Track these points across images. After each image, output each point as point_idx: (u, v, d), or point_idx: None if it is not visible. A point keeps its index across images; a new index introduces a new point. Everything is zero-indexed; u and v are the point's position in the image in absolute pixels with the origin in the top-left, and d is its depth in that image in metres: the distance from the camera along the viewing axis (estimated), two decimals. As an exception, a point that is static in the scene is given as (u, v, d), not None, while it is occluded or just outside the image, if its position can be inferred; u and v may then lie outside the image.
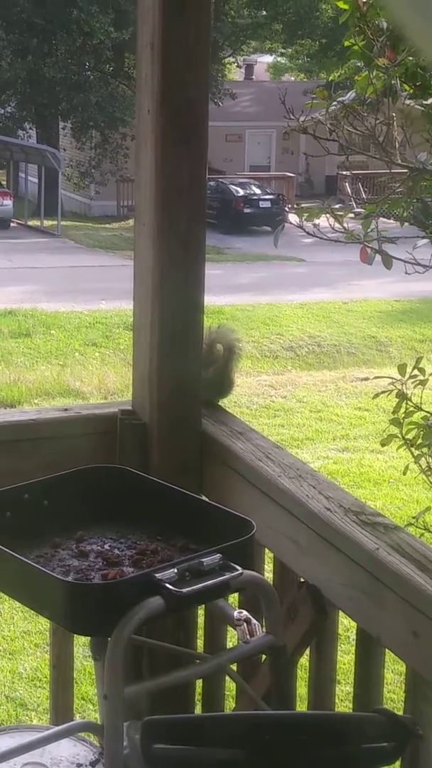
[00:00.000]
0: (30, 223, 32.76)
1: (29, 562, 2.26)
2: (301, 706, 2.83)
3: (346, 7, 4.85)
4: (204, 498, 2.77)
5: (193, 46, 2.85)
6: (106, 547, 2.43)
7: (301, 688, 2.80)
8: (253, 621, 2.30)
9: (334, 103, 4.71)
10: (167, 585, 2.15)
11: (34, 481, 2.57)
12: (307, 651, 2.66)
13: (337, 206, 5.67)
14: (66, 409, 3.10)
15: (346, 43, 4.92)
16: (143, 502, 2.55)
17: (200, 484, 2.94)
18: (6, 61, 32.25)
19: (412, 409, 5.20)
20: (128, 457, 2.90)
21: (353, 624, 2.52)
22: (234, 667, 2.63)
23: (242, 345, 3.24)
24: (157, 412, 2.96)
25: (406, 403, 5.15)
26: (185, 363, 2.98)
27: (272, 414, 13.47)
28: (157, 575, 2.16)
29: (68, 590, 2.19)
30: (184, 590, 2.15)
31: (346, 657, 3.62)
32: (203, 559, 2.21)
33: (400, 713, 2.21)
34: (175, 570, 2.18)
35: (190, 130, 2.89)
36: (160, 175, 2.88)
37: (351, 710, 2.53)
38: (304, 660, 2.71)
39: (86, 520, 2.52)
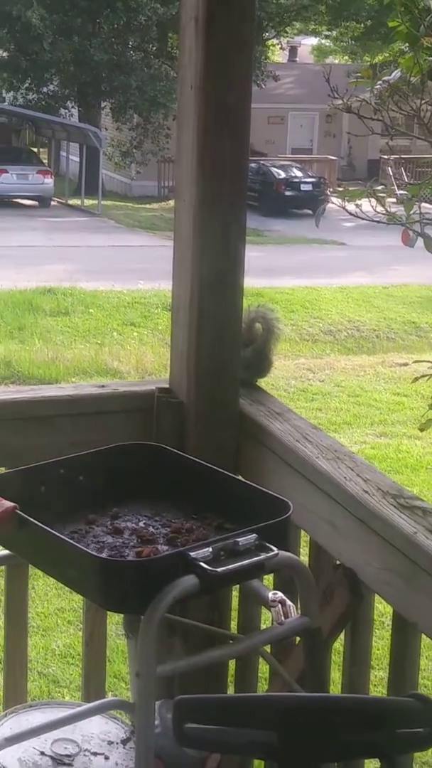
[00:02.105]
0: (70, 202, 32.78)
1: (64, 537, 2.25)
2: (334, 691, 2.81)
3: (391, -12, 4.80)
4: (240, 478, 2.74)
5: (238, 22, 2.82)
6: (141, 524, 2.42)
7: (334, 672, 2.78)
8: (288, 602, 2.28)
9: (380, 82, 4.66)
10: (202, 564, 2.13)
11: (70, 456, 2.56)
12: (341, 635, 2.64)
13: (379, 188, 5.62)
14: (103, 386, 3.09)
15: (391, 24, 4.87)
16: (179, 480, 2.53)
17: (236, 464, 2.92)
18: (47, 41, 32.19)
19: (451, 394, 5.14)
20: (165, 435, 2.88)
21: (387, 609, 2.49)
22: (267, 648, 2.61)
23: (281, 325, 3.21)
24: (195, 390, 2.94)
25: (446, 388, 5.10)
26: (224, 342, 2.95)
27: (309, 397, 13.42)
28: (191, 554, 2.15)
29: (102, 567, 2.18)
30: (218, 569, 2.13)
31: (379, 642, 3.60)
32: (239, 539, 2.19)
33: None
34: (210, 549, 2.16)
35: (233, 108, 2.86)
36: (201, 152, 2.85)
37: (385, 695, 2.51)
38: (337, 644, 2.69)
39: (121, 497, 2.51)
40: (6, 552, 2.56)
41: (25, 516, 2.27)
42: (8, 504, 2.29)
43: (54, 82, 35.45)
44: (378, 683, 3.87)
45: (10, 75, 34.45)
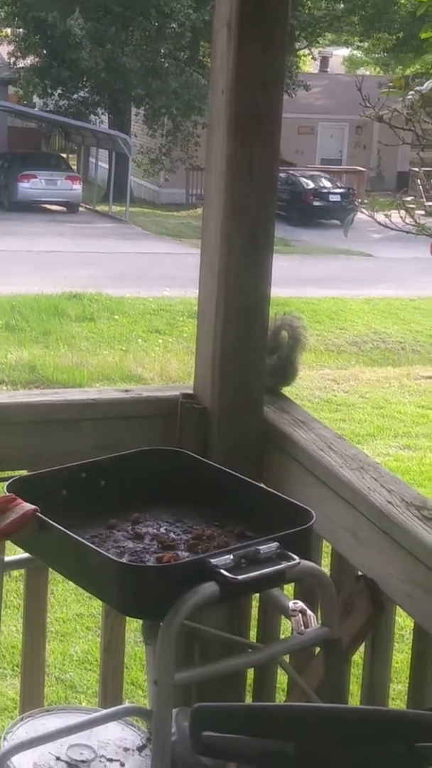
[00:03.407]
0: (98, 208, 32.86)
1: (84, 541, 2.23)
2: (353, 703, 2.79)
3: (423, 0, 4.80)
4: (263, 485, 2.73)
5: (271, 29, 2.81)
6: (162, 530, 2.41)
7: (353, 685, 2.76)
8: (309, 612, 2.26)
9: (411, 92, 4.65)
10: (222, 571, 2.11)
11: (92, 460, 2.55)
12: (360, 647, 2.62)
13: (408, 199, 5.60)
14: (127, 391, 3.08)
15: (423, 35, 4.86)
16: (201, 486, 2.52)
17: (259, 472, 2.90)
18: (86, 50, 32.28)
19: None
20: (188, 441, 2.87)
21: (407, 622, 2.47)
22: (286, 658, 2.59)
23: (307, 334, 3.19)
24: (219, 397, 2.93)
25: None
26: (249, 349, 2.94)
27: (333, 408, 13.38)
28: (212, 561, 2.13)
29: (122, 571, 2.17)
30: (239, 577, 2.12)
31: (398, 655, 3.57)
32: (260, 547, 2.18)
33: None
34: (231, 556, 2.15)
35: (264, 114, 2.85)
36: (231, 158, 2.84)
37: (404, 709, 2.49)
38: (356, 656, 2.67)
39: (143, 503, 2.49)
40: (26, 555, 2.55)
41: (46, 519, 2.27)
42: (29, 507, 2.29)
43: (85, 88, 35.55)
44: (396, 697, 3.84)
45: (42, 81, 34.57)
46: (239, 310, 2.92)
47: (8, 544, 2.43)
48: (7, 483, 2.40)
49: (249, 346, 2.94)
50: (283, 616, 2.60)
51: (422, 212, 5.59)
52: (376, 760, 1.77)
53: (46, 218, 30.32)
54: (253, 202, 2.88)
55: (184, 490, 2.53)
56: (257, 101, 2.83)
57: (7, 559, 2.61)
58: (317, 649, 2.54)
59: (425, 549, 2.30)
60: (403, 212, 5.13)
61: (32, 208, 31.04)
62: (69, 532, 2.23)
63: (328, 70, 47.48)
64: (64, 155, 37.75)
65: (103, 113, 36.75)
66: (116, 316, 17.83)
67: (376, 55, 46.28)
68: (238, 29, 2.77)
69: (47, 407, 2.93)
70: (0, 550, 2.59)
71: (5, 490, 2.37)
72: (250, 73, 2.80)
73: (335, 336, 17.73)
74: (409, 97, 4.61)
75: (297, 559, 2.19)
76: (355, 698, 2.73)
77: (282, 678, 3.03)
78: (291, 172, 33.13)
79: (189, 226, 28.99)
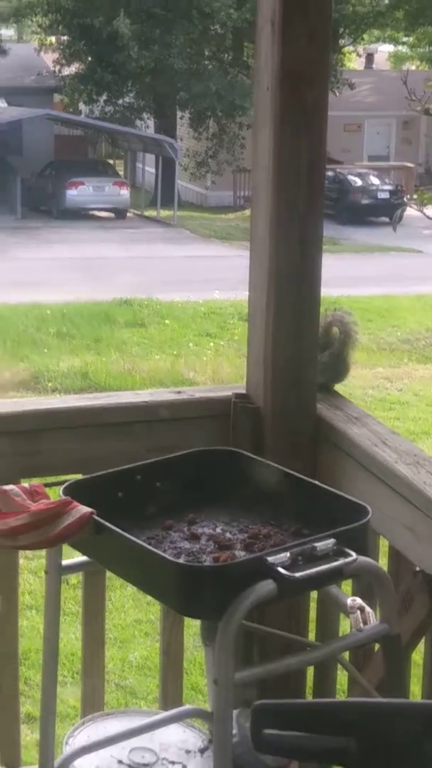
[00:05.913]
0: (146, 213, 32.92)
1: (141, 542, 2.23)
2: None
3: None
4: (317, 483, 2.71)
5: (314, 23, 2.80)
6: (218, 530, 2.40)
7: (413, 686, 2.74)
8: (367, 609, 2.24)
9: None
10: (279, 569, 2.10)
11: (147, 462, 2.55)
12: (420, 644, 2.59)
13: (457, 193, 5.56)
14: (179, 392, 3.07)
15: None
16: (256, 485, 2.51)
17: (314, 469, 2.89)
18: (133, 50, 32.34)
19: None
20: (242, 441, 2.86)
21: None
22: (346, 656, 2.57)
23: (359, 329, 3.17)
24: (272, 395, 2.91)
25: None
26: (301, 346, 2.93)
27: (387, 407, 13.31)
28: (269, 559, 2.12)
29: (179, 572, 2.16)
30: (296, 575, 2.11)
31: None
32: (316, 544, 2.17)
33: None
34: (288, 554, 2.14)
35: (310, 109, 2.84)
36: (278, 154, 2.83)
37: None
38: (416, 656, 2.65)
39: (198, 503, 2.49)
40: (83, 558, 2.56)
41: (102, 522, 2.26)
42: (85, 510, 2.29)
43: (131, 93, 35.63)
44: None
45: (87, 87, 34.67)
46: (290, 308, 2.91)
47: (65, 547, 2.43)
48: (62, 487, 2.41)
49: (300, 343, 2.93)
50: (342, 614, 2.58)
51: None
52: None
53: (95, 225, 30.43)
54: (302, 198, 2.87)
55: (239, 489, 2.52)
56: (303, 96, 2.81)
57: (64, 562, 2.61)
58: (377, 646, 2.52)
59: None
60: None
61: (80, 215, 31.17)
62: (126, 534, 2.23)
63: (374, 66, 47.29)
64: (111, 161, 37.85)
65: (148, 118, 36.81)
66: (167, 321, 17.85)
67: (421, 50, 46.01)
68: (282, 25, 2.76)
69: (100, 411, 2.93)
70: (57, 553, 2.59)
71: (61, 494, 2.37)
72: (295, 69, 2.79)
73: (387, 334, 17.64)
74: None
75: (354, 555, 2.17)
76: (416, 698, 2.71)
77: (344, 678, 3.02)
78: (338, 170, 33.00)
79: (237, 228, 28.97)
